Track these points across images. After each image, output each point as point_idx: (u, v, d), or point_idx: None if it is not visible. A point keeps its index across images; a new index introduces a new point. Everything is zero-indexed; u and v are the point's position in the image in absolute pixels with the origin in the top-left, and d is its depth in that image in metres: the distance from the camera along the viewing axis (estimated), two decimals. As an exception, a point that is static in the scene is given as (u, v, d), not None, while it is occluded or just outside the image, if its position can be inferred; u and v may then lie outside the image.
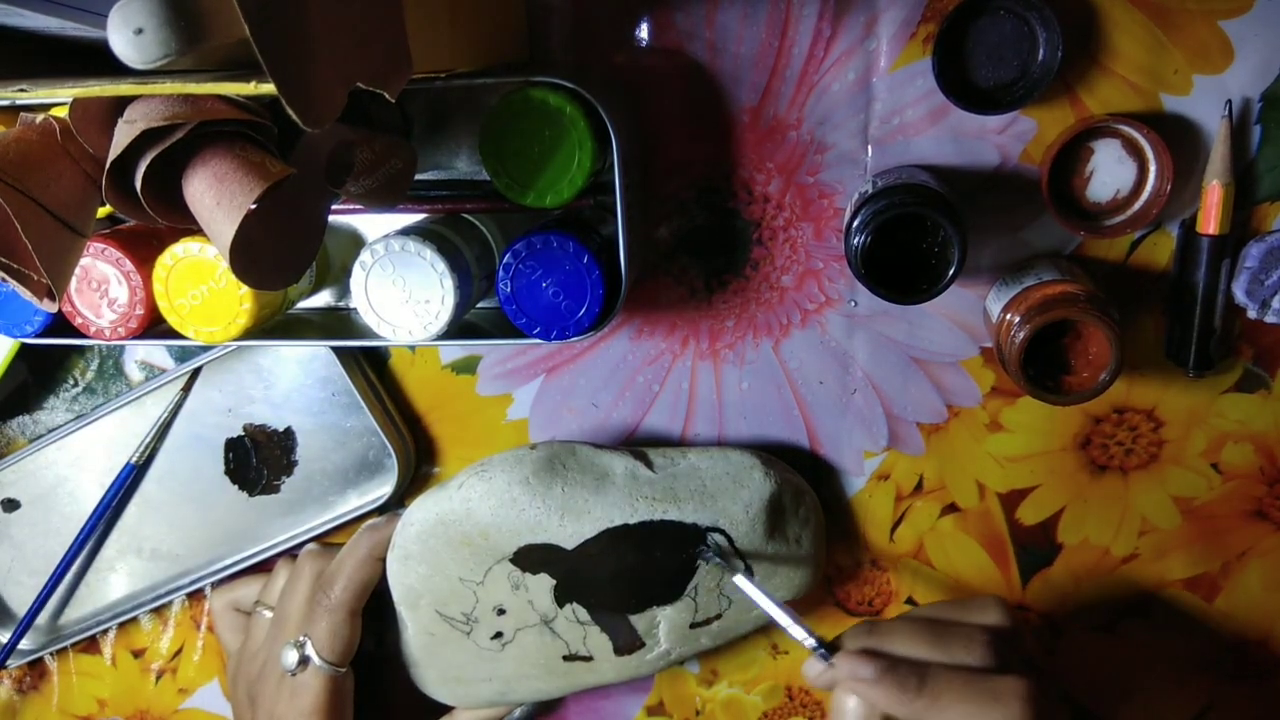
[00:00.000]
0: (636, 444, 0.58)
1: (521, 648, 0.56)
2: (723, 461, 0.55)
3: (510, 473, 0.53)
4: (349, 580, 0.56)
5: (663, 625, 0.55)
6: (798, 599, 0.56)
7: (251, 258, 0.39)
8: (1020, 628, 0.46)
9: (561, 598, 0.54)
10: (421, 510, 0.54)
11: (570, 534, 0.52)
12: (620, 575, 0.53)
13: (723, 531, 0.53)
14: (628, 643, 0.56)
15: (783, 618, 0.48)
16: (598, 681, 0.57)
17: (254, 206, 0.37)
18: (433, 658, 0.57)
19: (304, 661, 0.55)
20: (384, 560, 0.56)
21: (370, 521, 0.58)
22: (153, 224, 0.41)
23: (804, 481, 0.56)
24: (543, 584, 0.54)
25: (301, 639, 0.56)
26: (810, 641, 0.46)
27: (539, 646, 0.56)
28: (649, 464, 0.54)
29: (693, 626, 0.55)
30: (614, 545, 0.52)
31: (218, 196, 0.37)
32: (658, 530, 0.53)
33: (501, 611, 0.55)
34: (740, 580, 0.50)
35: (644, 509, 0.53)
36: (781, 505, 0.54)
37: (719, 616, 0.55)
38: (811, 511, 0.56)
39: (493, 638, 0.56)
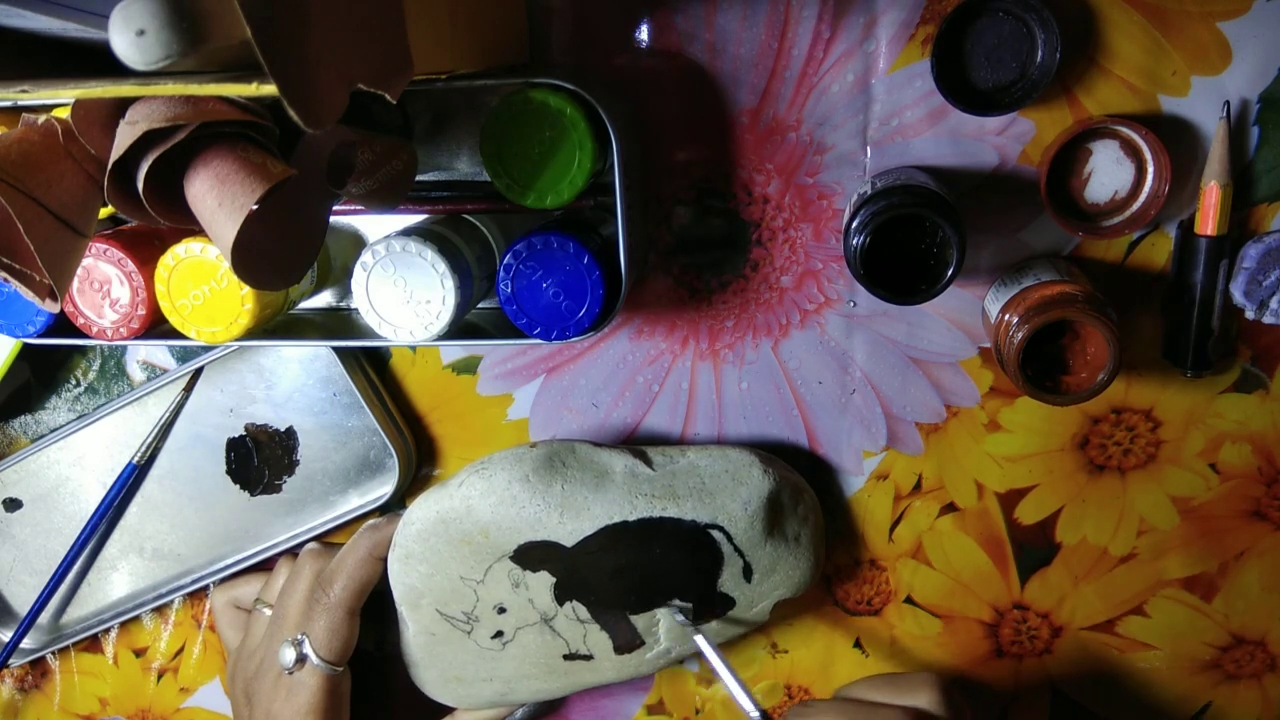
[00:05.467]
0: (636, 444, 0.58)
1: (522, 647, 0.56)
2: (722, 460, 0.55)
3: (510, 470, 0.53)
4: (349, 579, 0.56)
5: (663, 624, 0.55)
6: (796, 596, 0.56)
7: (253, 258, 0.39)
8: (956, 708, 0.47)
9: (561, 596, 0.54)
10: (422, 509, 0.54)
11: (570, 531, 0.53)
12: (620, 573, 0.53)
13: (722, 528, 0.53)
14: (628, 641, 0.56)
15: (733, 685, 0.50)
16: (598, 681, 0.57)
17: (255, 208, 0.37)
18: (433, 658, 0.58)
19: (301, 660, 0.55)
20: (384, 560, 0.56)
21: (371, 521, 0.58)
22: (154, 224, 0.41)
23: (803, 480, 0.57)
24: (543, 582, 0.54)
25: (299, 637, 0.56)
26: (755, 713, 0.49)
27: (539, 645, 0.56)
28: (648, 462, 0.54)
29: (690, 625, 0.55)
30: (614, 543, 0.53)
31: (219, 197, 0.37)
32: (657, 528, 0.53)
33: (502, 610, 0.55)
34: (700, 641, 0.53)
35: (643, 507, 0.53)
36: (780, 503, 0.54)
37: (716, 617, 0.56)
38: (810, 510, 0.56)
39: (493, 637, 0.56)
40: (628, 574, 0.53)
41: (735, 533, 0.53)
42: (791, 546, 0.55)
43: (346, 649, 0.56)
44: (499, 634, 0.56)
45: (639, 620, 0.55)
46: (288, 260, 0.43)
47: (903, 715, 0.45)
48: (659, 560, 0.53)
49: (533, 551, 0.53)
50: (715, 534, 0.53)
